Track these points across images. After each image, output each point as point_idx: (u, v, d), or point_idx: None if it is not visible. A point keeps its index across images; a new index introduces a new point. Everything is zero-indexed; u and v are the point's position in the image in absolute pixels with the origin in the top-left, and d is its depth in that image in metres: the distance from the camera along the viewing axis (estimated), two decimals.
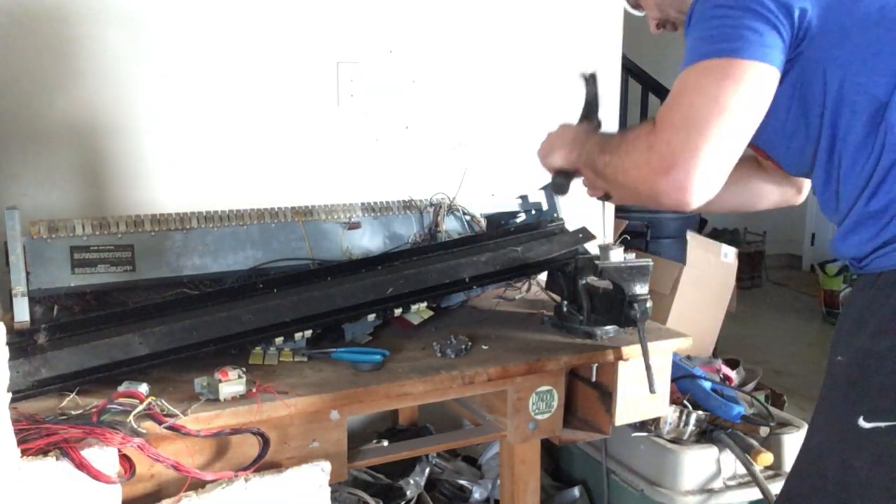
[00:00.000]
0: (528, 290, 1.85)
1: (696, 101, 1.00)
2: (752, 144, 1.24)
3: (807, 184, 1.40)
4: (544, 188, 1.83)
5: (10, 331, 1.19)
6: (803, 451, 1.14)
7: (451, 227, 1.78)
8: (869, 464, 1.02)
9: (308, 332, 1.40)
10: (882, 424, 1.00)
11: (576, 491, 2.04)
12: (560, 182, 1.37)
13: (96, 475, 1.00)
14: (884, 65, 1.01)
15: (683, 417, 1.82)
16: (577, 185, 1.57)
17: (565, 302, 1.60)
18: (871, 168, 1.04)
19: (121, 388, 1.15)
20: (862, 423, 1.01)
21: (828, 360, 1.12)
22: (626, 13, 2.40)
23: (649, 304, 1.44)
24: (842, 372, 1.08)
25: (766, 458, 1.78)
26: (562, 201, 1.83)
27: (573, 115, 2.28)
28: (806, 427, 1.93)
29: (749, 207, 1.48)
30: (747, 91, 1.00)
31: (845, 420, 1.04)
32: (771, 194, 1.44)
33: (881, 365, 1.01)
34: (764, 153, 1.25)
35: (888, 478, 1.00)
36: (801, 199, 1.45)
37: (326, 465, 1.24)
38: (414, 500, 1.83)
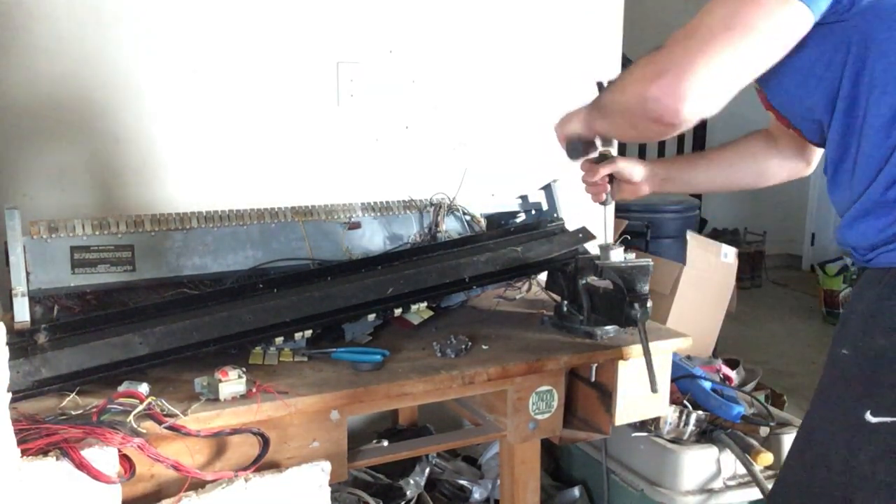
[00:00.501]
0: (529, 289, 1.85)
1: (708, 19, 0.96)
2: (774, 112, 1.22)
3: (817, 154, 1.37)
4: (544, 188, 1.83)
5: (10, 331, 1.19)
6: (803, 441, 1.14)
7: (451, 227, 1.78)
8: (873, 458, 1.02)
9: (308, 332, 1.40)
10: (889, 419, 1.00)
11: (576, 491, 2.04)
12: (574, 146, 1.35)
13: (96, 475, 1.00)
14: None
15: (683, 417, 1.82)
16: (578, 184, 1.58)
17: (565, 302, 1.60)
18: (891, 152, 1.00)
19: (121, 388, 1.15)
20: (869, 417, 1.01)
21: (829, 351, 1.11)
22: (626, 13, 2.41)
23: (650, 303, 1.44)
24: (848, 366, 1.07)
25: (766, 458, 1.78)
26: (562, 202, 1.83)
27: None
28: None
29: (756, 185, 1.47)
30: (773, 20, 0.94)
31: (852, 414, 1.03)
32: (780, 171, 1.42)
33: (890, 360, 1.01)
34: (786, 121, 1.22)
35: (891, 474, 1.00)
36: (810, 170, 1.42)
37: (326, 465, 1.24)
38: (414, 500, 1.83)
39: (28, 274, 1.32)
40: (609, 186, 1.50)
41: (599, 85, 1.42)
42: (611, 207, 1.58)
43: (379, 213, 1.71)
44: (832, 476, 1.06)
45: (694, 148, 4.70)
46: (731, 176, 1.47)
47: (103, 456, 1.02)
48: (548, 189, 1.83)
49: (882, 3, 0.98)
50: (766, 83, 1.13)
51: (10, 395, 0.94)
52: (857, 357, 1.06)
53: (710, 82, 0.96)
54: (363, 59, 2.05)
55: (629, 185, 1.50)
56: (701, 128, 4.63)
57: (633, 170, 1.48)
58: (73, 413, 1.10)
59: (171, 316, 1.31)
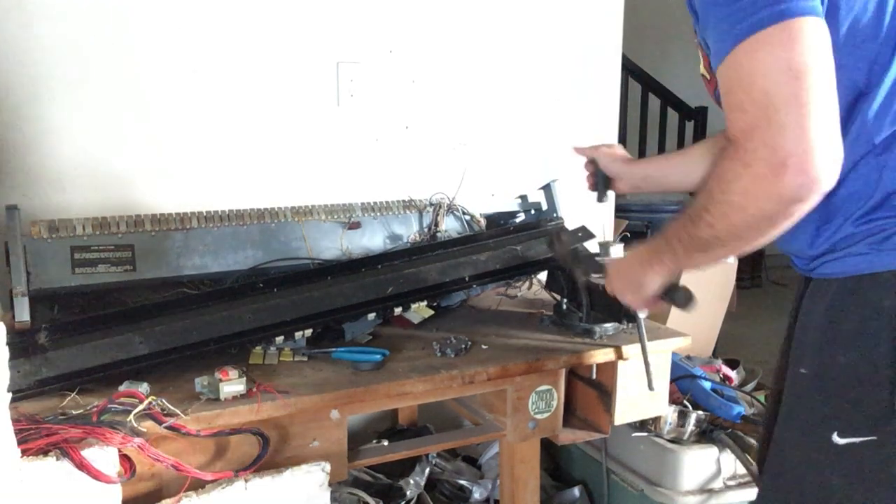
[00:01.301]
0: (531, 287, 1.85)
1: (768, 82, 0.85)
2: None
3: None
4: (544, 188, 1.83)
5: (11, 331, 1.19)
6: (776, 465, 1.11)
7: (450, 226, 1.78)
8: (846, 481, 0.99)
9: (308, 332, 1.41)
10: (857, 440, 0.98)
11: (576, 491, 2.04)
12: (680, 297, 1.20)
13: (96, 475, 1.00)
14: (866, 50, 0.94)
15: (683, 417, 1.82)
16: (578, 184, 1.58)
17: (565, 300, 1.60)
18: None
19: (121, 388, 1.15)
20: (836, 438, 0.99)
21: (788, 370, 1.09)
22: (626, 13, 2.41)
23: None
24: (810, 385, 1.04)
25: None
26: (562, 201, 1.83)
27: (570, 119, 2.29)
28: None
29: (666, 189, 1.47)
30: (813, 44, 0.86)
31: (820, 436, 1.01)
32: None
33: (852, 378, 0.98)
34: None
35: (865, 495, 0.98)
36: None
37: (326, 465, 1.24)
38: (414, 500, 1.83)
39: (28, 274, 1.32)
40: (594, 178, 1.51)
41: (554, 241, 1.46)
42: (611, 207, 1.59)
43: (379, 213, 1.71)
44: (807, 501, 1.04)
45: None
46: (703, 171, 1.41)
47: (103, 456, 1.02)
48: (547, 189, 1.83)
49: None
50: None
51: (10, 395, 0.94)
52: (817, 376, 1.03)
53: (829, 133, 0.85)
54: (363, 59, 2.05)
55: (618, 182, 1.50)
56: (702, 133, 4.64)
57: (611, 165, 1.48)
58: (74, 413, 1.10)
59: (171, 316, 1.31)
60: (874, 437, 0.97)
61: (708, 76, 1.08)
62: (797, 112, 0.84)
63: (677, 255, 1.05)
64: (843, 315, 1.00)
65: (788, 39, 0.85)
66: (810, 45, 0.85)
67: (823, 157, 0.84)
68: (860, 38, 0.93)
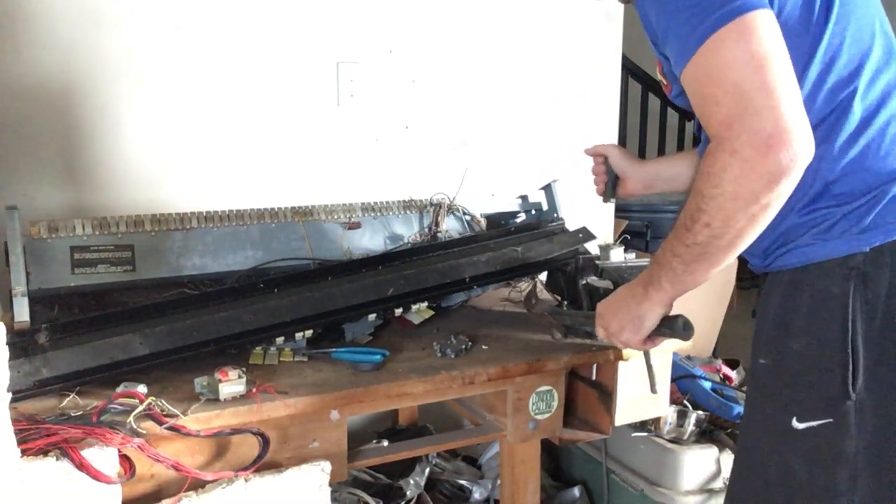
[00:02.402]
0: (532, 290, 1.85)
1: (736, 74, 0.91)
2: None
3: None
4: (544, 188, 1.83)
5: (11, 331, 1.19)
6: (741, 455, 1.15)
7: (451, 226, 1.78)
8: (807, 464, 1.03)
9: (308, 332, 1.40)
10: (815, 423, 1.01)
11: (576, 491, 2.04)
12: (678, 327, 1.16)
13: (96, 475, 1.00)
14: (798, 44, 0.98)
15: (683, 417, 1.82)
16: (578, 185, 1.58)
17: (565, 302, 1.60)
18: None
19: (119, 389, 1.15)
20: (795, 423, 1.03)
21: (749, 362, 1.12)
22: (626, 13, 2.41)
23: None
24: (768, 374, 1.08)
25: None
26: (562, 201, 1.83)
27: (570, 119, 2.29)
28: None
29: (677, 189, 1.48)
30: (768, 34, 0.92)
31: (779, 423, 1.05)
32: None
33: (807, 364, 1.02)
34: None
35: (826, 476, 1.01)
36: None
37: (326, 465, 1.24)
38: (414, 500, 1.83)
39: (28, 274, 1.32)
40: (606, 177, 1.52)
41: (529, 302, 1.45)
42: (611, 208, 1.59)
43: (379, 213, 1.71)
44: (771, 488, 1.07)
45: (694, 145, 4.69)
46: (657, 184, 1.49)
47: (103, 456, 1.02)
48: (548, 189, 1.83)
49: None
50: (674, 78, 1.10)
51: (10, 395, 0.94)
52: (774, 365, 1.07)
53: (801, 111, 0.91)
54: (363, 59, 2.05)
55: (626, 181, 1.51)
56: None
57: (623, 166, 1.49)
58: (73, 413, 1.10)
59: (171, 316, 1.31)
60: (830, 420, 1.01)
61: (665, 81, 1.14)
62: (769, 96, 0.89)
63: (676, 274, 1.06)
64: (794, 304, 1.04)
65: (746, 32, 0.91)
66: (766, 34, 0.92)
67: (800, 132, 0.90)
68: (792, 33, 0.97)
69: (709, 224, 0.96)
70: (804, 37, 0.99)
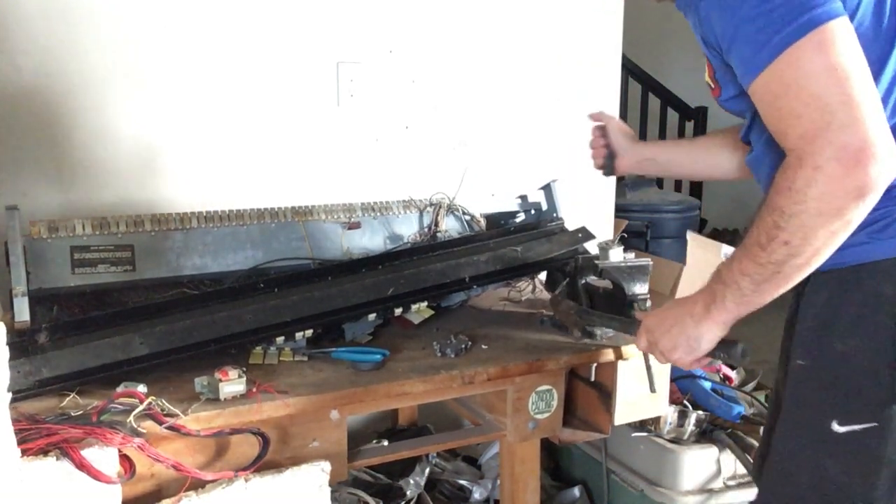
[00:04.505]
0: (534, 290, 1.85)
1: (817, 86, 0.89)
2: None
3: None
4: (544, 188, 1.83)
5: (11, 331, 1.19)
6: (775, 458, 1.12)
7: (451, 226, 1.78)
8: (844, 468, 1.00)
9: (308, 332, 1.40)
10: (857, 427, 0.99)
11: (576, 491, 2.04)
12: (735, 352, 1.12)
13: (96, 475, 1.00)
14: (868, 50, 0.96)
15: (683, 417, 1.82)
16: (577, 184, 1.58)
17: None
18: None
19: (119, 389, 1.15)
20: (836, 427, 1.00)
21: (783, 363, 1.10)
22: (626, 13, 2.41)
23: (649, 303, 1.44)
24: (808, 376, 1.05)
25: None
26: (562, 201, 1.83)
27: (570, 119, 2.29)
28: None
29: (707, 176, 1.49)
30: (847, 44, 0.90)
31: (817, 426, 1.02)
32: (731, 165, 1.41)
33: (851, 366, 1.00)
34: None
35: (864, 480, 0.99)
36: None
37: (326, 465, 1.24)
38: (414, 500, 1.83)
39: (28, 274, 1.32)
40: (605, 150, 1.54)
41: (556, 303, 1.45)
42: (610, 207, 1.59)
43: (379, 213, 1.71)
44: (805, 493, 1.04)
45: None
46: (710, 161, 1.45)
47: (103, 456, 1.02)
48: (547, 189, 1.83)
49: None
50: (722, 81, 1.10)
51: (10, 395, 0.94)
52: (815, 367, 1.04)
53: (884, 123, 0.90)
54: (363, 59, 2.05)
55: (623, 154, 1.53)
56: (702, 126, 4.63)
57: (619, 140, 1.51)
58: (73, 413, 1.10)
59: (171, 316, 1.31)
60: (875, 424, 0.98)
61: (713, 85, 1.11)
62: (853, 110, 0.87)
63: (743, 294, 1.02)
64: (842, 304, 1.01)
65: (825, 43, 0.89)
66: (846, 45, 0.90)
67: (886, 146, 0.88)
68: (863, 40, 0.94)
69: (788, 242, 0.93)
70: (875, 44, 0.97)
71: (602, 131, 1.55)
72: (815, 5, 0.90)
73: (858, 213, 0.91)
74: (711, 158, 1.45)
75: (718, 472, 1.81)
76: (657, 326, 1.16)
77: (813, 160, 0.89)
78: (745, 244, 0.99)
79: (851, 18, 0.94)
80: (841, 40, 0.90)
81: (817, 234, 0.92)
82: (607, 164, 1.55)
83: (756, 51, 0.93)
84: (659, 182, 3.98)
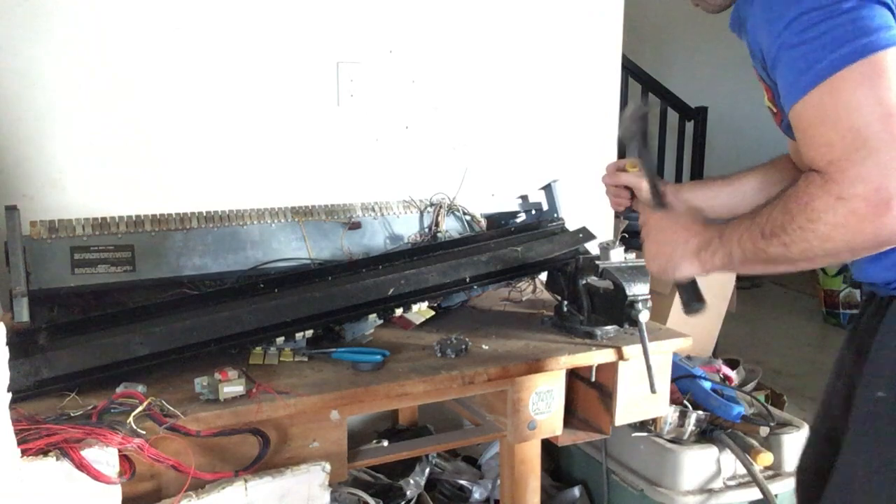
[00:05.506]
0: (534, 291, 1.85)
1: (858, 119, 0.83)
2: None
3: None
4: (544, 188, 1.83)
5: (11, 331, 1.19)
6: (843, 489, 1.05)
7: (451, 227, 1.78)
8: None
9: (308, 332, 1.40)
10: None
11: (576, 491, 2.04)
12: (691, 296, 1.18)
13: (96, 475, 1.00)
14: None
15: (683, 417, 1.82)
16: (577, 184, 1.57)
17: (565, 302, 1.60)
18: None
19: (119, 390, 1.15)
20: None
21: (858, 392, 1.03)
22: (626, 13, 2.41)
23: (649, 303, 1.44)
24: (886, 410, 0.99)
25: (766, 458, 1.78)
26: (562, 202, 1.83)
27: (570, 119, 2.29)
28: (806, 427, 1.93)
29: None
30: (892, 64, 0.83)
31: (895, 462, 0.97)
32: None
33: None
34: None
35: None
36: None
37: (326, 465, 1.24)
38: (414, 500, 1.83)
39: (28, 274, 1.32)
40: (629, 202, 1.40)
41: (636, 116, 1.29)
42: (610, 207, 1.57)
43: (379, 213, 1.71)
44: None
45: (693, 150, 4.68)
46: (745, 205, 1.32)
47: (103, 456, 1.02)
48: (548, 189, 1.83)
49: None
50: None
51: (10, 395, 0.94)
52: None
53: None
54: (363, 59, 2.05)
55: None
56: (700, 135, 4.63)
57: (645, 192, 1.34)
58: (73, 413, 1.10)
59: (170, 316, 1.31)
60: None
61: (774, 110, 1.06)
62: (892, 150, 0.82)
63: (731, 259, 1.01)
64: None
65: (875, 75, 0.83)
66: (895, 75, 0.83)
67: None
68: None
69: (786, 246, 0.91)
70: None
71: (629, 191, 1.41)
72: (868, 31, 0.84)
73: (867, 252, 0.88)
74: (746, 203, 1.33)
75: (718, 472, 1.81)
76: (655, 230, 1.15)
77: (839, 189, 0.84)
78: (755, 221, 0.97)
79: None
80: (892, 72, 0.83)
81: (816, 253, 0.90)
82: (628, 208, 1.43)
83: (798, 75, 0.88)
84: None
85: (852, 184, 0.83)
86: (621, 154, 2.45)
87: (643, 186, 1.34)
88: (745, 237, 0.98)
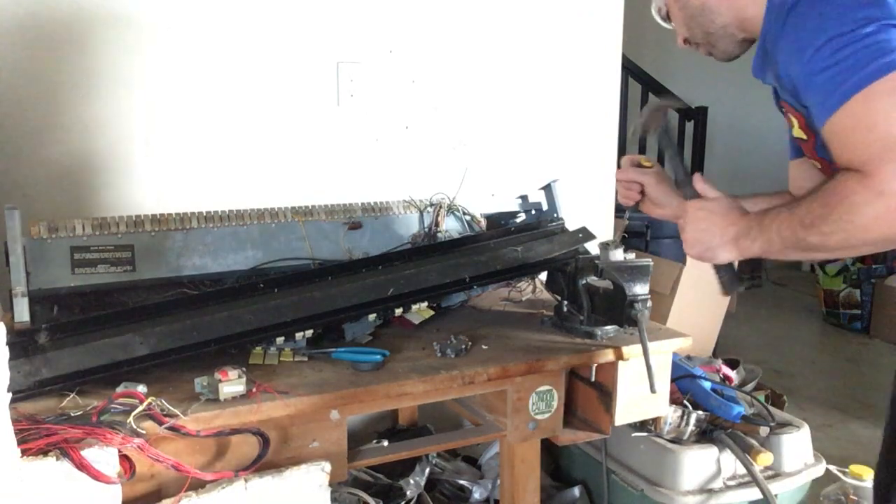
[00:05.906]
0: (534, 291, 1.85)
1: (891, 127, 0.92)
2: (822, 161, 1.16)
3: None
4: (544, 188, 1.83)
5: (11, 331, 1.19)
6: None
7: (451, 227, 1.78)
8: None
9: (308, 332, 1.40)
10: None
11: (576, 491, 2.04)
12: (730, 278, 1.25)
13: (96, 475, 1.00)
14: None
15: (683, 417, 1.82)
16: (577, 184, 1.57)
17: (565, 302, 1.60)
18: None
19: (119, 390, 1.15)
20: None
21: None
22: (626, 13, 2.41)
23: (649, 303, 1.44)
24: None
25: (766, 458, 1.78)
26: (562, 202, 1.83)
27: (570, 119, 2.29)
28: (806, 427, 1.93)
29: None
30: None
31: None
32: None
33: None
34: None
35: None
36: None
37: (326, 465, 1.24)
38: (414, 500, 1.83)
39: (28, 274, 1.32)
40: (640, 197, 1.42)
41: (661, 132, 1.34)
42: (610, 208, 1.58)
43: (379, 214, 1.71)
44: None
45: (694, 150, 4.68)
46: None
47: (103, 456, 1.02)
48: (548, 189, 1.83)
49: None
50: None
51: (10, 395, 0.94)
52: None
53: None
54: (363, 59, 2.05)
55: (654, 207, 1.41)
56: (701, 130, 4.63)
57: (664, 197, 1.38)
58: (73, 413, 1.10)
59: (171, 316, 1.31)
60: None
61: (805, 137, 1.13)
62: None
63: (771, 247, 1.08)
64: None
65: None
66: None
67: None
68: None
69: (826, 235, 0.98)
70: None
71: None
72: (889, 51, 0.92)
73: None
74: None
75: (718, 472, 1.81)
76: (694, 219, 1.20)
77: (879, 185, 0.92)
78: (795, 212, 1.03)
79: None
80: None
81: (852, 243, 0.97)
82: (635, 206, 1.44)
83: (829, 95, 0.96)
84: None
85: (889, 180, 0.91)
86: (622, 152, 2.45)
87: (652, 187, 1.39)
88: (785, 227, 1.04)
